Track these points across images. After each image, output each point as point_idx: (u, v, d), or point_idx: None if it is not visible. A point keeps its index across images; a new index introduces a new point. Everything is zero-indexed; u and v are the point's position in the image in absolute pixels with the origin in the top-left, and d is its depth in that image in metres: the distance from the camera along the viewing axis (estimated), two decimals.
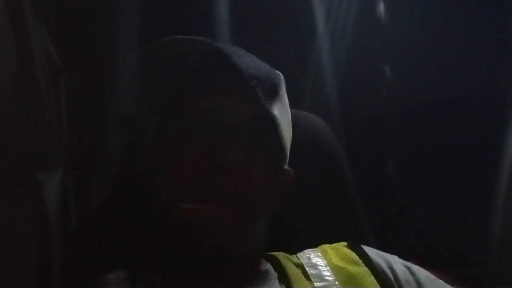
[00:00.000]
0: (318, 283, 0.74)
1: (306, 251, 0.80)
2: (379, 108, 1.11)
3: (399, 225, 1.08)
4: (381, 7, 1.14)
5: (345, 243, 0.81)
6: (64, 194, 0.79)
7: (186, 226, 0.71)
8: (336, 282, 0.74)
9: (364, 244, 0.81)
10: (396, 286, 0.75)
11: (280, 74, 0.81)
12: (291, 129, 0.83)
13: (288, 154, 0.82)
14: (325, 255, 0.78)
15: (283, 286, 0.75)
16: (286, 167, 0.82)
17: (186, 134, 0.75)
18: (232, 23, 1.00)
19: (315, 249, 0.81)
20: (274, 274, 0.77)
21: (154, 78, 0.79)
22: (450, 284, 0.80)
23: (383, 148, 1.10)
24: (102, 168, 0.86)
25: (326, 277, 0.75)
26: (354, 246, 0.80)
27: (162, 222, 0.76)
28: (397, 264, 0.78)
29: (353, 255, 0.78)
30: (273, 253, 0.80)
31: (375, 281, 0.75)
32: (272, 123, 0.76)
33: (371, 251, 0.79)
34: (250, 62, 0.76)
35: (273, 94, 0.77)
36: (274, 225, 0.83)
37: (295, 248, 0.82)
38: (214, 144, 0.72)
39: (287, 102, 0.82)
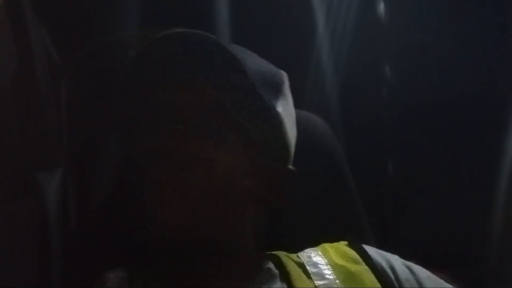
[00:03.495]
0: (319, 282, 0.74)
1: (307, 250, 0.80)
2: (379, 108, 1.11)
3: (399, 225, 1.08)
4: (381, 7, 1.14)
5: (346, 242, 0.81)
6: (64, 194, 0.79)
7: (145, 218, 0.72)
8: (337, 281, 0.74)
9: (364, 244, 0.81)
10: (396, 285, 0.76)
11: (284, 72, 0.81)
12: (295, 128, 0.82)
13: (292, 154, 0.81)
14: (325, 254, 0.78)
15: (285, 284, 0.75)
16: (290, 167, 0.81)
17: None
18: (232, 23, 1.00)
19: (316, 248, 0.81)
20: (275, 273, 0.77)
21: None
22: (450, 284, 0.80)
23: (383, 148, 1.10)
24: (102, 168, 0.86)
25: (327, 276, 0.75)
26: (355, 245, 0.80)
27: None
28: (397, 263, 0.78)
29: (353, 254, 0.78)
30: (274, 252, 0.81)
31: (375, 279, 0.75)
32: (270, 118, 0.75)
33: (371, 250, 0.79)
34: (250, 60, 0.77)
35: (274, 90, 0.77)
36: (273, 225, 0.83)
37: (296, 247, 0.82)
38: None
39: (291, 101, 0.82)
